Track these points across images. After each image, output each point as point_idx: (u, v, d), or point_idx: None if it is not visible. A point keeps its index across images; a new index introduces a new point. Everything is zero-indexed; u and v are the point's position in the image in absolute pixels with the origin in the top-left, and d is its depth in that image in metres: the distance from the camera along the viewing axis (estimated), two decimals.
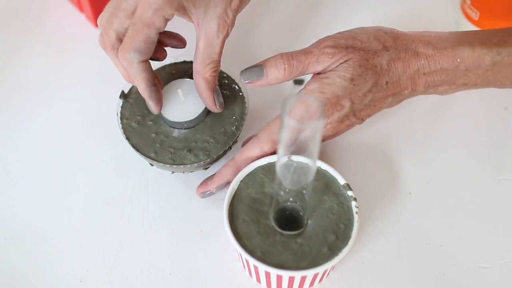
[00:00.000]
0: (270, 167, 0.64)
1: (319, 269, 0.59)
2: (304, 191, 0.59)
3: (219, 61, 0.64)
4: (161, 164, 0.65)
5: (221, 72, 0.70)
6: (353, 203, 0.62)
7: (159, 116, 0.67)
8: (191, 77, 0.67)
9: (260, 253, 0.60)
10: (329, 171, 0.64)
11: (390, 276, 0.65)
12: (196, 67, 0.64)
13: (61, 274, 0.65)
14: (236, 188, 0.63)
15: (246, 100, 0.69)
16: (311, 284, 0.63)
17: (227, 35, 0.63)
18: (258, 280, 0.64)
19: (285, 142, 0.54)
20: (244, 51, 0.79)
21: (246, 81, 0.65)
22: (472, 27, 0.78)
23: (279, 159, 0.56)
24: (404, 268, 0.65)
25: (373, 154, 0.72)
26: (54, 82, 0.78)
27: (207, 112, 0.67)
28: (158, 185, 0.69)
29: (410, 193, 0.69)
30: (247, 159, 0.65)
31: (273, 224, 0.62)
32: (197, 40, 0.64)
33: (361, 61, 0.63)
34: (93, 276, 0.65)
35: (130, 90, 0.69)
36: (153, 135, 0.67)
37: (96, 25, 0.81)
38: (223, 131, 0.67)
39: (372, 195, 0.69)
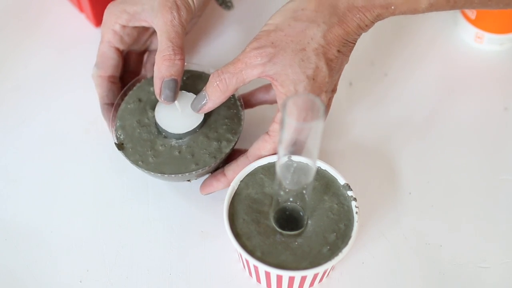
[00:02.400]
0: (270, 167, 0.64)
1: (319, 269, 0.59)
2: (304, 191, 0.59)
3: (176, 49, 0.63)
4: (159, 175, 0.64)
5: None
6: (353, 203, 0.62)
7: (155, 125, 0.66)
8: (189, 90, 0.67)
9: (260, 253, 0.60)
10: (329, 171, 0.64)
11: (390, 276, 0.65)
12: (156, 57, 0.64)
13: (61, 274, 0.65)
14: (236, 188, 0.63)
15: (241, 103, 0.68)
16: (311, 284, 0.63)
17: (180, 21, 0.63)
18: (258, 280, 0.64)
19: (285, 142, 0.53)
20: None
21: (196, 111, 0.64)
22: (470, 26, 0.78)
23: (279, 159, 0.56)
24: (404, 268, 0.65)
25: (373, 154, 0.72)
26: (53, 82, 0.77)
27: (203, 123, 0.66)
28: (158, 185, 0.69)
29: (410, 193, 0.69)
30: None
31: (273, 224, 0.62)
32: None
33: (299, 54, 0.60)
34: (93, 276, 0.65)
35: (123, 140, 0.67)
36: (149, 149, 0.65)
37: (96, 25, 0.81)
38: (223, 131, 0.66)
39: (372, 195, 0.69)
